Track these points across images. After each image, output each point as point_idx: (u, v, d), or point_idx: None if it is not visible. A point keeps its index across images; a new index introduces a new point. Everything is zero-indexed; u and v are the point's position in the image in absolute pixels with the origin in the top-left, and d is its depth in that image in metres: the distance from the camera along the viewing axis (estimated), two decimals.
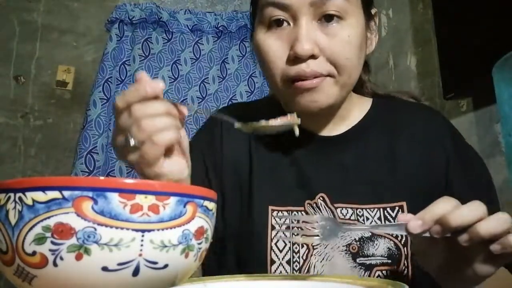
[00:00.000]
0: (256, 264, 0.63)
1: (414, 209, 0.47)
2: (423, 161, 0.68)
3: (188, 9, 2.20)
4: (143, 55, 2.05)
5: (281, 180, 0.68)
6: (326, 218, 0.48)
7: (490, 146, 1.30)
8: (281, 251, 0.63)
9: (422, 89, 1.59)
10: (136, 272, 0.29)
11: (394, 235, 0.63)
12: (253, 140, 0.72)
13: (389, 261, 0.62)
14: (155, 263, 0.30)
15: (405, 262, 0.62)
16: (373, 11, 0.68)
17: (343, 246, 0.63)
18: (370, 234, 0.63)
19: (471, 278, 0.46)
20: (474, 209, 0.42)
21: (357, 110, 0.73)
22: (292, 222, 0.51)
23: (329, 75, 0.60)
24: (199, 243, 0.33)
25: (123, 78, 2.01)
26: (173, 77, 2.09)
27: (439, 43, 1.44)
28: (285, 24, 0.61)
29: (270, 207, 0.65)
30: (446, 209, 0.43)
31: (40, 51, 2.12)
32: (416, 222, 0.44)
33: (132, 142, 0.46)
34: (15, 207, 0.29)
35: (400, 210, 0.64)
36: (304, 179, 0.67)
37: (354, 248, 0.63)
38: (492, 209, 0.44)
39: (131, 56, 2.04)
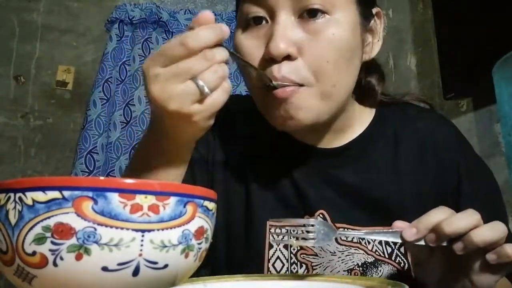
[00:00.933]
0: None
1: None
2: (430, 178, 0.63)
3: (188, 9, 2.19)
4: (143, 55, 2.05)
5: (279, 196, 0.65)
6: (321, 222, 0.48)
7: (490, 146, 1.30)
8: (278, 272, 0.61)
9: (422, 89, 1.60)
10: (136, 272, 0.29)
11: (396, 261, 0.61)
12: (249, 151, 0.67)
13: None
14: (155, 263, 0.30)
15: None
16: (374, 10, 0.60)
17: (344, 270, 0.61)
18: (374, 259, 0.61)
19: None
20: (468, 217, 0.42)
21: (358, 121, 0.66)
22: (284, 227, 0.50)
23: (304, 84, 0.53)
24: (199, 243, 0.33)
25: (123, 78, 2.01)
26: None
27: (439, 43, 1.44)
28: (263, 22, 0.54)
29: (268, 223, 0.62)
30: (440, 217, 0.43)
31: (40, 51, 2.12)
32: (410, 230, 0.44)
33: (206, 89, 0.42)
34: (15, 207, 0.29)
35: None
36: (302, 195, 0.64)
37: (356, 274, 0.60)
38: (497, 218, 0.44)
39: (131, 56, 2.04)
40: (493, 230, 0.41)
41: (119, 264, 0.29)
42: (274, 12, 0.53)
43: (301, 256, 0.62)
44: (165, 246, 0.30)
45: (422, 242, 0.44)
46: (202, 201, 0.33)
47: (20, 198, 0.28)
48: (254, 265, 0.61)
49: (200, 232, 0.33)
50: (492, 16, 1.23)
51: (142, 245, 0.29)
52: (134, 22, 2.05)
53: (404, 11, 1.75)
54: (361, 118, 0.66)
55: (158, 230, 0.30)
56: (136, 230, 0.29)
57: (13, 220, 0.28)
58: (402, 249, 0.62)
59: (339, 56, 0.53)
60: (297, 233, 0.48)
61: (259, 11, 0.54)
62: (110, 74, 1.97)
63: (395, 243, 0.61)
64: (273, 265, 0.61)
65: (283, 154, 0.66)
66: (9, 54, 2.07)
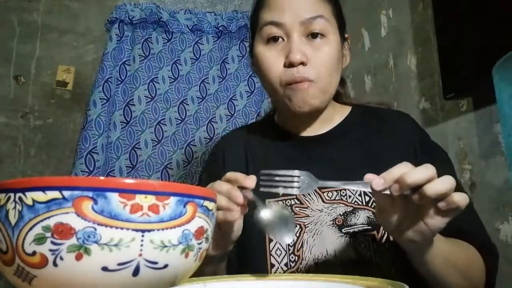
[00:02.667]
0: (256, 245, 0.74)
1: None
2: (396, 153, 0.78)
3: (188, 9, 2.19)
4: (143, 55, 2.05)
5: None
6: (306, 174, 0.56)
7: (490, 146, 1.30)
8: None
9: (422, 89, 1.59)
10: (136, 272, 0.29)
11: (372, 206, 0.75)
12: (248, 144, 0.89)
13: (370, 227, 0.74)
14: (155, 263, 0.30)
15: None
16: (346, 35, 0.87)
17: (330, 221, 0.76)
18: (352, 208, 0.76)
19: (424, 231, 0.54)
20: (426, 170, 0.51)
21: (338, 115, 0.90)
22: (274, 177, 0.59)
23: (313, 80, 0.76)
24: (199, 243, 0.33)
25: (123, 78, 2.01)
26: (173, 77, 2.08)
27: (439, 43, 1.44)
28: (280, 40, 0.78)
29: (266, 200, 0.75)
30: (403, 170, 0.51)
31: (40, 51, 2.12)
32: (379, 181, 0.52)
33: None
34: (15, 207, 0.29)
35: None
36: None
37: (339, 221, 0.76)
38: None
39: (131, 56, 2.04)
40: (444, 184, 0.50)
41: (119, 264, 0.29)
42: (289, 33, 0.78)
43: (295, 219, 0.76)
44: (165, 246, 0.30)
45: (387, 192, 0.52)
46: (202, 201, 0.33)
47: (20, 198, 0.28)
48: (255, 231, 0.74)
49: (200, 232, 0.33)
50: (492, 16, 1.23)
51: (142, 245, 0.29)
52: (134, 22, 2.05)
53: (404, 11, 1.75)
54: (340, 112, 0.91)
55: (158, 230, 0.30)
56: (136, 230, 0.29)
57: (13, 220, 0.28)
58: None
59: (331, 64, 0.79)
60: (284, 183, 0.57)
61: (278, 32, 0.78)
62: (110, 74, 1.97)
63: (372, 193, 0.71)
64: None
65: (278, 141, 0.87)
66: (9, 54, 2.07)
